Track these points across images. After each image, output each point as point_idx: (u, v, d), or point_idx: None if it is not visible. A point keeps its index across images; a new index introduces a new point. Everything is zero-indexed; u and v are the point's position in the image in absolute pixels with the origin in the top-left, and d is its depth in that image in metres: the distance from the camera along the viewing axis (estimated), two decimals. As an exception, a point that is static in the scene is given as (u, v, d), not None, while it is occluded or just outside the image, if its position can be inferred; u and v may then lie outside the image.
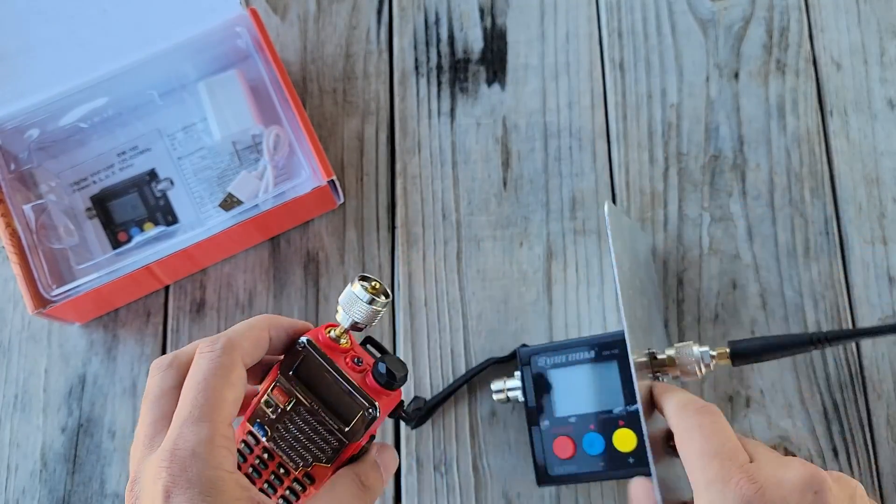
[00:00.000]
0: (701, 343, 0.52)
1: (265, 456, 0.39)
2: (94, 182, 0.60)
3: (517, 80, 0.62)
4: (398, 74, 0.63)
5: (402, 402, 0.41)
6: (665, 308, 0.57)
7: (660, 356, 0.48)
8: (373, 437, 0.40)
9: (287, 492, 0.39)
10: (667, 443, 0.45)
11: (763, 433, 0.54)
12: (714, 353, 0.47)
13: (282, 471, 0.39)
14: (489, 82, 0.62)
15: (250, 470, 0.39)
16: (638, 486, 0.44)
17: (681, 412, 0.42)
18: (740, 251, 0.57)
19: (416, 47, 0.64)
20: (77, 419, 0.57)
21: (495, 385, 0.53)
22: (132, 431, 0.56)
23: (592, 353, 0.49)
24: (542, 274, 0.58)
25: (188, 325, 0.58)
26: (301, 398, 0.39)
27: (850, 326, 0.55)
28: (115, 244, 0.58)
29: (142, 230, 0.58)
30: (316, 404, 0.38)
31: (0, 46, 0.57)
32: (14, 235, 0.55)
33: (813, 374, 0.55)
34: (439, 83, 0.63)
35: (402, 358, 0.56)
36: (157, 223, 0.59)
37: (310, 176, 0.56)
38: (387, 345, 0.57)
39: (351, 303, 0.39)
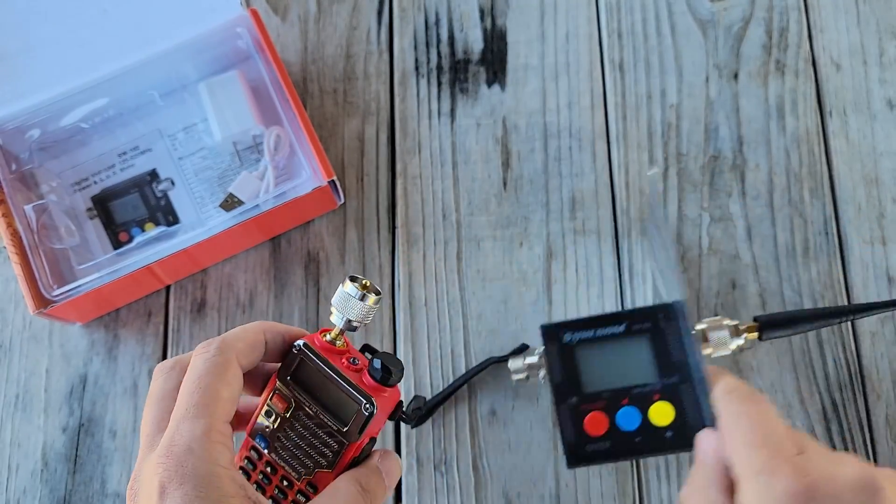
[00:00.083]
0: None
1: (268, 469, 0.40)
2: (95, 182, 0.60)
3: (517, 81, 0.62)
4: (398, 75, 0.63)
5: (401, 402, 0.41)
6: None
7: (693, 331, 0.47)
8: (373, 439, 0.40)
9: None
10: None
11: (762, 433, 0.54)
12: (743, 325, 0.47)
13: (285, 483, 0.39)
14: (489, 83, 0.62)
15: (255, 486, 0.39)
16: (705, 439, 0.41)
17: (728, 396, 0.39)
18: (740, 251, 0.58)
19: (416, 48, 0.64)
20: (78, 419, 0.57)
21: (514, 364, 0.51)
22: (133, 431, 0.56)
23: (622, 328, 0.47)
24: (542, 274, 0.58)
25: (189, 325, 0.58)
26: (299, 402, 0.39)
27: (850, 326, 0.56)
28: (116, 244, 0.58)
29: (143, 230, 0.58)
30: (314, 407, 0.39)
31: (0, 46, 0.57)
32: (15, 235, 0.55)
33: (812, 374, 0.55)
34: (439, 84, 0.63)
35: (402, 358, 0.56)
36: (157, 223, 0.59)
37: (310, 176, 0.56)
38: (387, 345, 0.58)
39: (344, 302, 0.39)
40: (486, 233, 0.59)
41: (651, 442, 0.45)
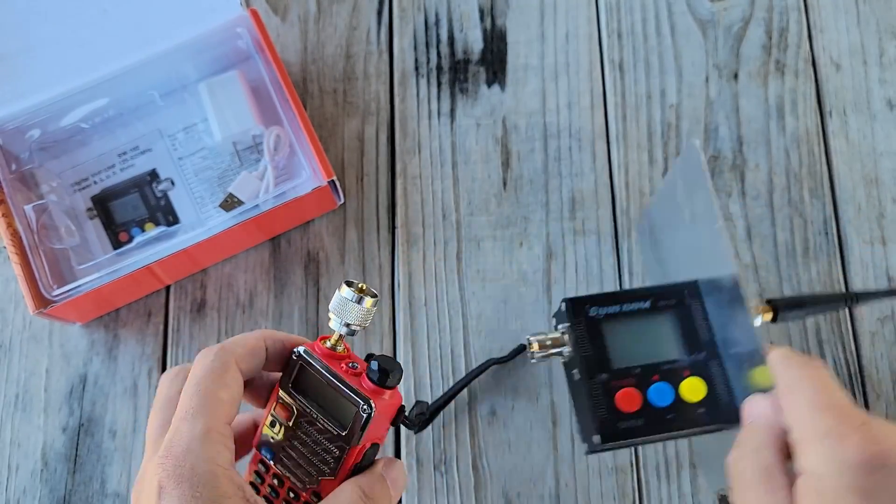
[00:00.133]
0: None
1: (275, 482, 0.40)
2: (95, 182, 0.60)
3: (517, 81, 0.62)
4: (398, 75, 0.63)
5: (402, 407, 0.41)
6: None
7: None
8: (375, 445, 0.40)
9: None
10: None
11: (762, 433, 0.54)
12: (757, 307, 0.47)
13: (292, 495, 0.40)
14: (489, 83, 0.62)
15: (264, 501, 0.39)
16: (756, 403, 0.40)
17: (786, 361, 0.38)
18: (739, 251, 0.58)
19: (416, 48, 0.64)
20: (78, 419, 0.57)
21: (536, 338, 0.47)
22: (133, 431, 0.56)
23: (648, 304, 0.47)
24: (541, 274, 0.58)
25: (189, 325, 0.58)
26: (301, 409, 0.39)
27: (850, 326, 0.56)
28: (116, 244, 0.58)
29: (143, 230, 0.58)
30: (315, 412, 0.39)
31: (0, 46, 0.57)
32: (15, 235, 0.55)
33: (812, 373, 0.55)
34: (439, 84, 0.63)
35: (401, 358, 0.56)
36: (157, 223, 0.59)
37: (310, 176, 0.56)
38: (387, 345, 0.58)
39: (341, 306, 0.39)
40: (485, 233, 0.59)
41: (685, 418, 0.44)
